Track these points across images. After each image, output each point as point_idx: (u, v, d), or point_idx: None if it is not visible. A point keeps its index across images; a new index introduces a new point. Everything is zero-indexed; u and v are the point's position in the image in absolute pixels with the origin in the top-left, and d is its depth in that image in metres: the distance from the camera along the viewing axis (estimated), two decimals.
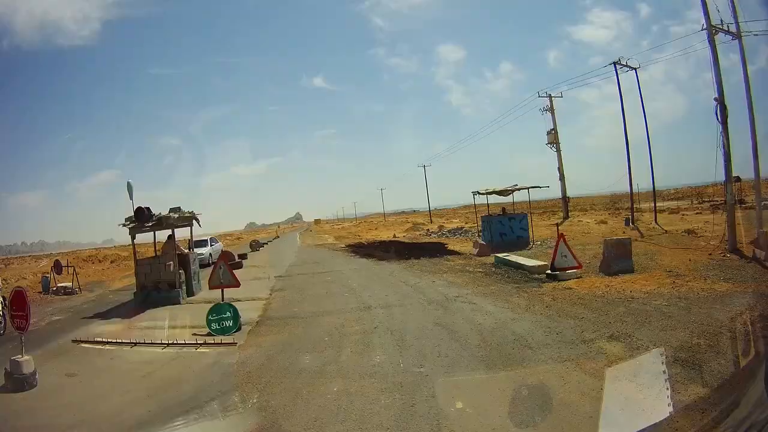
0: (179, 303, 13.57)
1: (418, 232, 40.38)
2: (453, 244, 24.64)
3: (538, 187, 23.05)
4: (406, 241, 31.99)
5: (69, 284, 18.69)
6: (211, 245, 24.07)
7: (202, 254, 20.30)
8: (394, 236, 37.76)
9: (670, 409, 3.33)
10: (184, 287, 14.29)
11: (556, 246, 12.31)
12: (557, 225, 18.96)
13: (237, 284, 9.87)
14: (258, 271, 19.38)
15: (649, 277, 10.73)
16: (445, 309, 9.43)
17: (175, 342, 8.78)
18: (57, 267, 19.68)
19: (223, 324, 9.18)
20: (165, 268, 14.40)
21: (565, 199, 33.27)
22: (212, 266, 12.31)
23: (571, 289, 10.42)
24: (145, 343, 8.83)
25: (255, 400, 5.50)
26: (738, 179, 28.52)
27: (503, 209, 24.00)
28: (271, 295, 13.29)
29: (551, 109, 32.20)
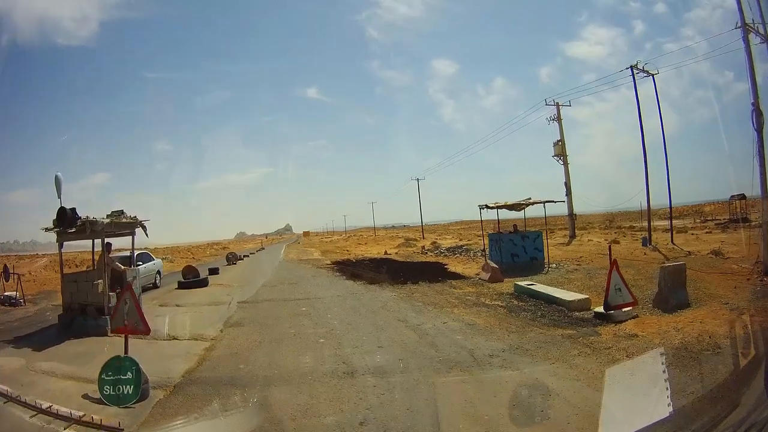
0: (105, 335, 10.27)
1: (410, 249, 37.70)
2: (454, 265, 21.62)
3: (553, 201, 21.33)
4: (400, 259, 28.83)
5: (14, 293, 16.15)
6: (145, 263, 17.59)
7: (148, 271, 16.64)
8: (386, 253, 34.74)
9: (670, 409, 3.24)
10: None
11: (609, 276, 9.38)
12: (568, 242, 16.76)
13: (146, 330, 6.59)
14: (222, 292, 16.12)
15: (710, 312, 8.52)
16: (478, 385, 6.02)
17: (49, 410, 5.52)
18: (5, 273, 17.05)
19: (119, 389, 5.93)
20: (93, 288, 11.22)
21: (572, 216, 30.68)
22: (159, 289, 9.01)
23: (636, 336, 7.70)
24: (17, 402, 5.60)
25: None
26: (743, 197, 28.02)
27: (515, 226, 21.31)
28: (221, 332, 9.98)
29: (558, 119, 30.11)
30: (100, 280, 11.14)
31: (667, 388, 3.33)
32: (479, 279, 15.99)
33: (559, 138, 29.83)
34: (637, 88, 22.26)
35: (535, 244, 18.52)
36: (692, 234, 25.46)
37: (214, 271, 22.24)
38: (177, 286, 17.66)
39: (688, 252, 18.07)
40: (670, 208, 24.19)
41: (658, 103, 22.41)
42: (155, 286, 16.46)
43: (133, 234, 12.36)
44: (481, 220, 21.69)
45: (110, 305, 10.91)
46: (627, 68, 22.48)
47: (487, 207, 19.52)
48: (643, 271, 13.46)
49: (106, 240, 12.02)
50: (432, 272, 18.72)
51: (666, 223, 25.97)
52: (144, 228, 12.54)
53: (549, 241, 24.98)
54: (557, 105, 29.85)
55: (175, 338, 9.65)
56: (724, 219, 32.99)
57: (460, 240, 39.23)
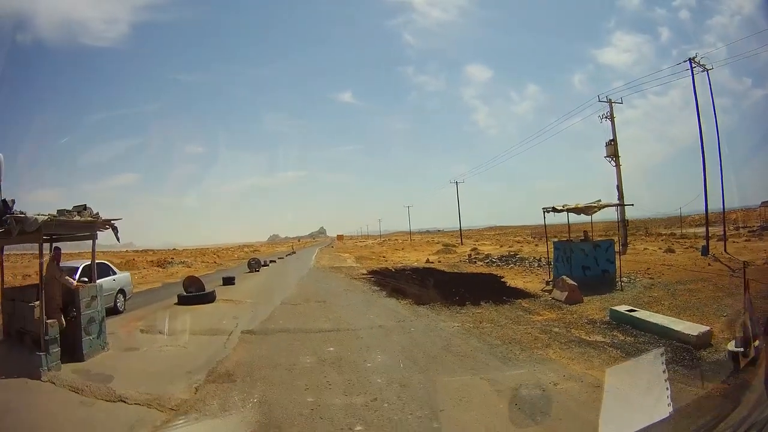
0: (39, 378, 7.02)
1: (451, 256, 34.18)
2: (512, 278, 18.15)
3: (625, 204, 20.28)
4: (446, 269, 24.80)
5: None
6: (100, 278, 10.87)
7: (110, 289, 12.44)
8: (428, 261, 30.74)
9: (670, 409, 3.25)
10: (81, 343, 7.74)
11: (746, 301, 6.13)
12: (622, 252, 16.77)
13: None
14: (228, 312, 12.52)
15: None
16: None
17: None
18: None
19: None
20: (30, 312, 7.81)
21: (623, 222, 26.99)
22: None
23: None
24: None
25: None
26: None
27: (585, 233, 17.84)
28: (196, 393, 6.20)
29: (611, 117, 27.68)
30: (36, 302, 7.64)
31: (667, 389, 3.33)
32: (553, 299, 12.69)
33: (611, 138, 27.47)
34: (693, 83, 22.12)
35: (606, 254, 15.40)
36: (733, 242, 24.21)
37: (229, 281, 18.77)
38: (177, 301, 14.16)
39: (745, 262, 14.56)
40: (723, 214, 23.66)
41: (712, 99, 22.04)
42: (116, 311, 12.61)
43: (94, 238, 8.87)
44: (545, 225, 18.09)
45: (50, 336, 7.45)
46: (685, 61, 22.16)
47: (554, 210, 16.30)
48: (721, 286, 12.36)
49: (55, 245, 8.63)
50: (489, 288, 15.44)
51: (700, 230, 25.78)
52: (114, 229, 9.07)
53: None
54: (610, 102, 27.55)
55: (122, 400, 5.99)
56: (756, 226, 33.09)
57: (500, 246, 37.02)
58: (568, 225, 18.32)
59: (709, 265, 17.22)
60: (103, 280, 11.15)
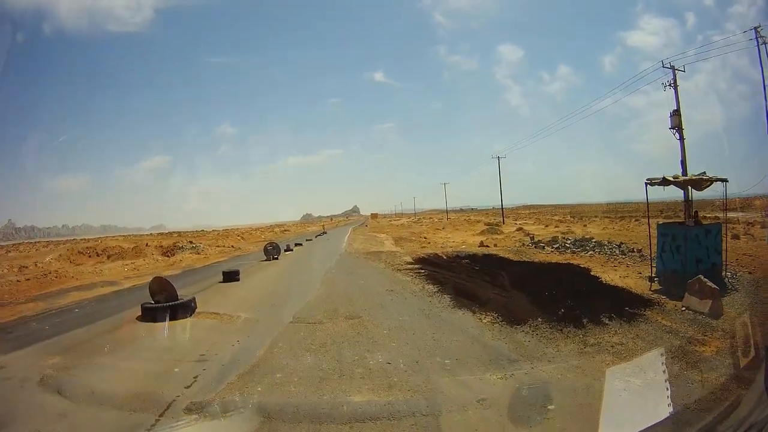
0: None
1: (498, 236, 29.56)
2: (603, 271, 13.50)
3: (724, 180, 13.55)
4: (511, 256, 19.46)
5: None
6: None
7: None
8: (482, 244, 25.23)
9: (670, 409, 3.23)
10: None
11: None
12: None
13: None
14: (200, 341, 7.68)
15: None
16: None
17: None
18: None
19: None
20: None
21: (688, 202, 21.96)
22: None
23: None
24: None
25: None
26: None
27: (695, 214, 13.83)
28: None
29: (674, 85, 23.60)
30: None
31: (667, 389, 3.33)
32: (686, 308, 8.75)
33: (675, 108, 22.22)
34: (759, 54, 18.01)
35: (715, 242, 11.56)
36: None
37: (231, 277, 13.92)
38: (141, 314, 9.37)
39: None
40: None
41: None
42: None
43: None
44: (647, 202, 14.44)
45: None
46: (750, 29, 18.48)
47: (665, 181, 12.44)
48: None
49: None
50: (582, 286, 11.23)
51: (738, 215, 23.32)
52: None
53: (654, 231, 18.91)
54: (673, 68, 23.50)
55: None
56: None
57: (545, 226, 33.54)
58: (690, 200, 13.34)
59: None
60: None
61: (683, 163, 21.78)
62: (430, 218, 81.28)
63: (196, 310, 9.53)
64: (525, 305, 9.39)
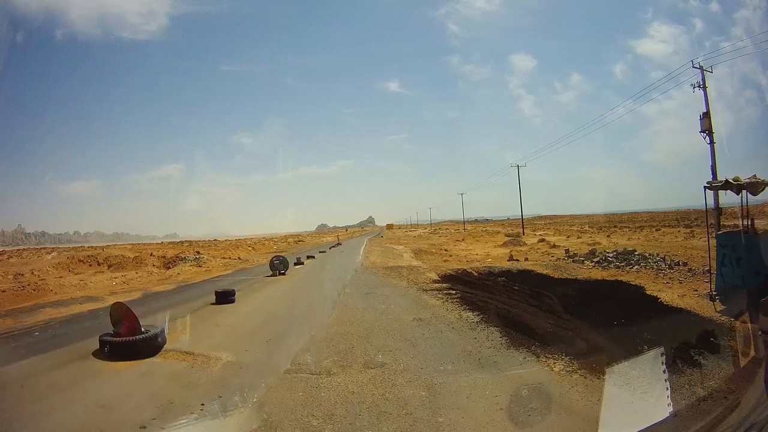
0: None
1: (522, 248, 27.85)
2: (653, 286, 12.00)
3: None
4: (551, 273, 17.07)
5: None
6: None
7: None
8: (511, 257, 22.63)
9: (670, 408, 3.15)
10: None
11: None
12: None
13: None
14: (162, 393, 5.25)
15: None
16: None
17: None
18: None
19: None
20: None
21: (718, 209, 20.98)
22: None
23: None
24: None
25: None
26: None
27: (751, 221, 11.37)
28: None
29: (703, 86, 23.33)
30: None
31: (667, 389, 3.27)
32: (762, 332, 6.55)
33: (705, 110, 22.10)
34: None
35: None
36: None
37: (224, 298, 11.57)
38: (100, 347, 7.11)
39: None
40: None
41: None
42: None
43: None
44: (706, 208, 13.44)
45: None
46: None
47: (728, 184, 10.87)
48: None
49: None
50: (643, 309, 9.73)
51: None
52: None
53: (687, 242, 19.95)
54: (701, 69, 23.38)
55: None
56: None
57: (567, 237, 32.27)
58: (744, 207, 11.18)
59: None
60: None
61: (713, 167, 21.58)
62: (446, 229, 79.27)
63: (165, 347, 7.17)
64: (595, 340, 7.44)
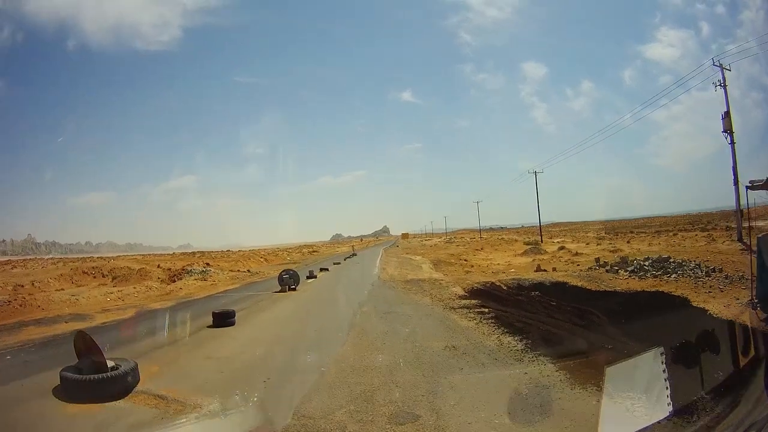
0: None
1: (543, 257, 26.10)
2: (696, 296, 10.90)
3: None
4: (586, 285, 15.36)
5: None
6: None
7: None
8: (539, 268, 20.88)
9: (670, 408, 3.10)
10: None
11: None
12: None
13: None
14: None
15: None
16: None
17: None
18: None
19: None
20: None
21: (739, 212, 21.82)
22: None
23: None
24: None
25: None
26: None
27: None
28: None
29: (723, 85, 23.45)
30: None
31: (667, 388, 3.19)
32: None
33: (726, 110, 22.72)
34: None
35: None
36: None
37: (223, 320, 10.07)
38: (60, 384, 5.64)
39: None
40: None
41: None
42: None
43: None
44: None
45: None
46: None
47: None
48: None
49: None
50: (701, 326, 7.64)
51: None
52: None
53: (712, 246, 19.64)
54: (721, 67, 23.67)
55: None
56: None
57: (587, 243, 31.44)
58: None
59: None
60: None
61: (734, 169, 22.15)
62: (461, 237, 77.79)
63: (138, 386, 5.67)
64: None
